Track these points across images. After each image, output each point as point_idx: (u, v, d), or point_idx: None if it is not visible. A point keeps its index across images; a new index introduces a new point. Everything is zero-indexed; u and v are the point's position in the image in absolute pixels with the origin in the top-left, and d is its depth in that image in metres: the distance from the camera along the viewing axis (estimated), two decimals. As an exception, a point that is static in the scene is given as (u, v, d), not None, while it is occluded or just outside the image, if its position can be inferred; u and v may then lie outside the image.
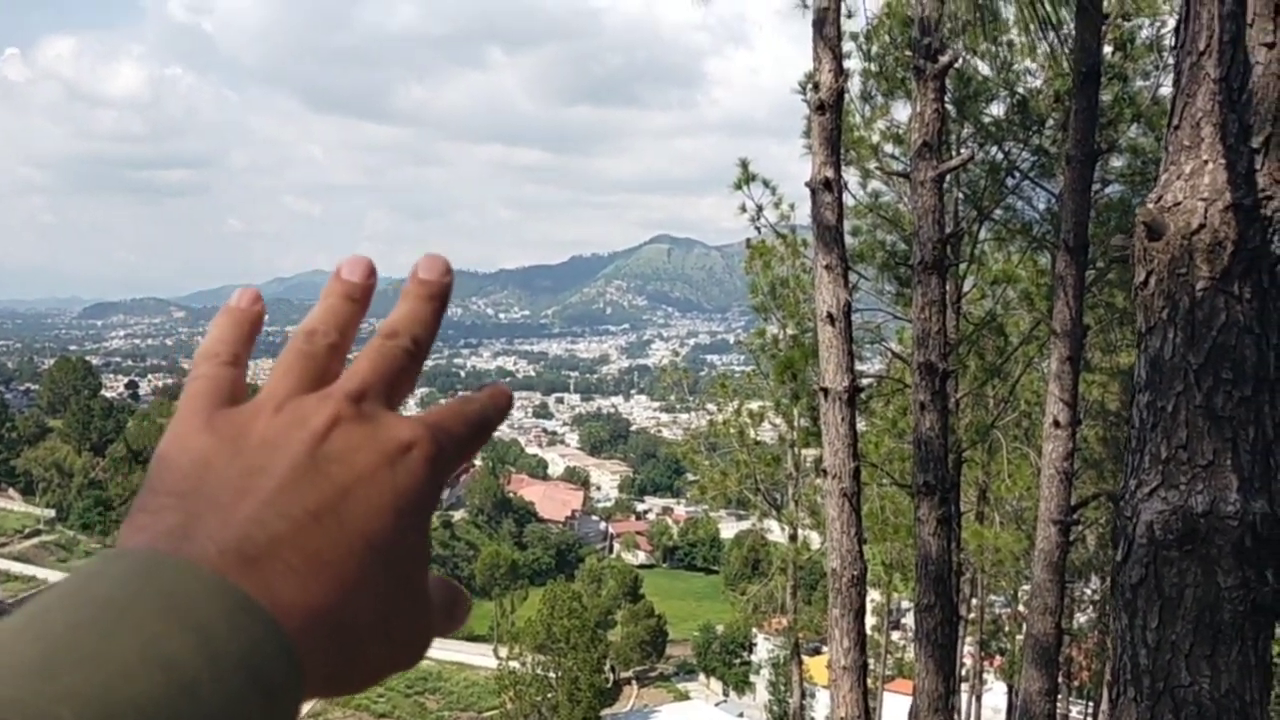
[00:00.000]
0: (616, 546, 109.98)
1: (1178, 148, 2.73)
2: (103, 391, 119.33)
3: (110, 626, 0.35)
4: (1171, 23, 13.54)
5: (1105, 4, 10.55)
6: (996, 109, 14.14)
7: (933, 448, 8.22)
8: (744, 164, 17.22)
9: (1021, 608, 29.02)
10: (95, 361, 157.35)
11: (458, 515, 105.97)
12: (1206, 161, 2.65)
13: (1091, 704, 30.53)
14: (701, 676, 73.45)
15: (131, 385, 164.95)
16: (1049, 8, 13.70)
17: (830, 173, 8.53)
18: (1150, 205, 2.73)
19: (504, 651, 58.11)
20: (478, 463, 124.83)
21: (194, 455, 0.45)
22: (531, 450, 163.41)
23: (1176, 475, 2.63)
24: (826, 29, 8.43)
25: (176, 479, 0.44)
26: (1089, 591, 29.48)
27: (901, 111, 14.61)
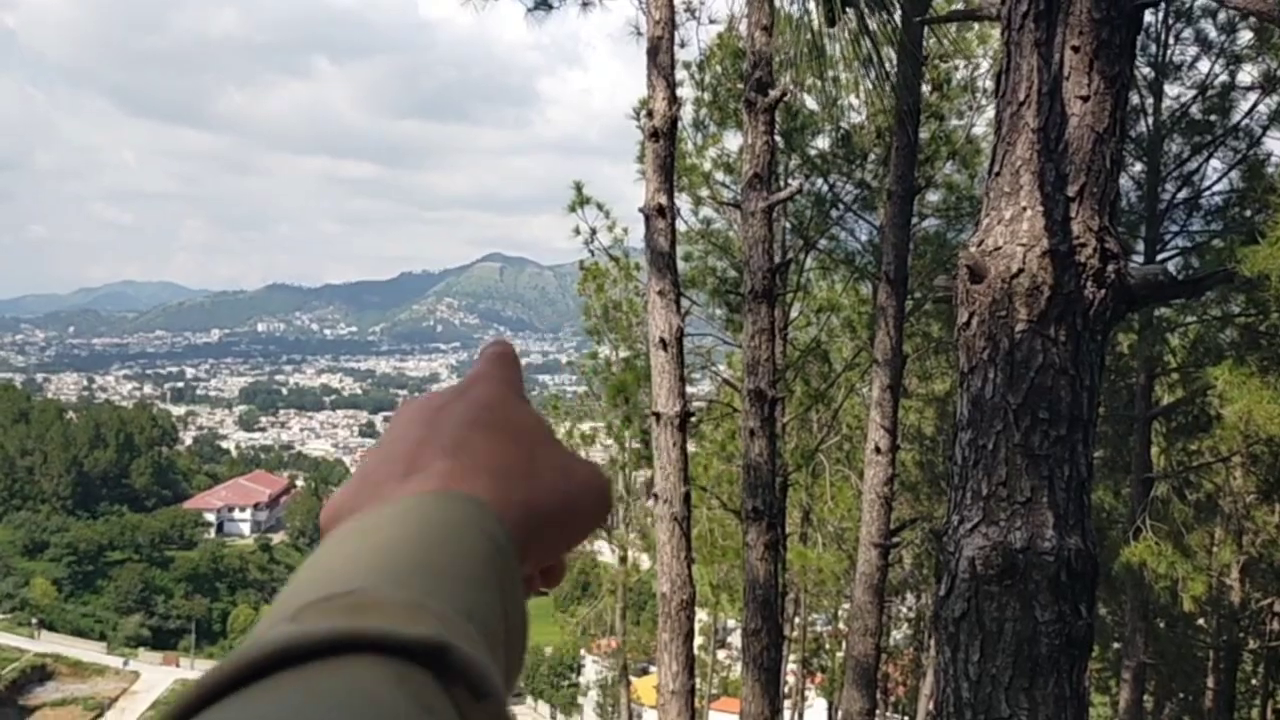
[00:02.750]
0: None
1: (999, 193, 2.82)
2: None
3: (429, 544, 0.50)
4: (985, 65, 14.29)
5: (925, 46, 11.02)
6: (822, 142, 14.61)
7: (761, 473, 8.34)
8: (578, 186, 17.26)
9: (842, 625, 29.91)
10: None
11: (277, 538, 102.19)
12: (1025, 208, 2.74)
13: (907, 718, 31.66)
14: (529, 699, 72.80)
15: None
16: (871, 49, 14.24)
17: (664, 199, 8.59)
18: (972, 249, 2.81)
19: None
20: (299, 483, 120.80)
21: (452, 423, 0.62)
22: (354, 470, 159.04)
23: (996, 512, 2.70)
24: (660, 57, 8.51)
25: (444, 435, 0.61)
26: (904, 609, 30.61)
27: (732, 141, 14.93)
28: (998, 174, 2.83)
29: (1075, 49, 2.75)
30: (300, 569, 0.48)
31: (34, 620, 74.24)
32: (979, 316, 2.78)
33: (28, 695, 65.83)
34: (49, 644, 71.60)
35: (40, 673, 67.64)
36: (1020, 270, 2.71)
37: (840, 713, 12.31)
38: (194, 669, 73.51)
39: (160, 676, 71.73)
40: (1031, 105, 2.77)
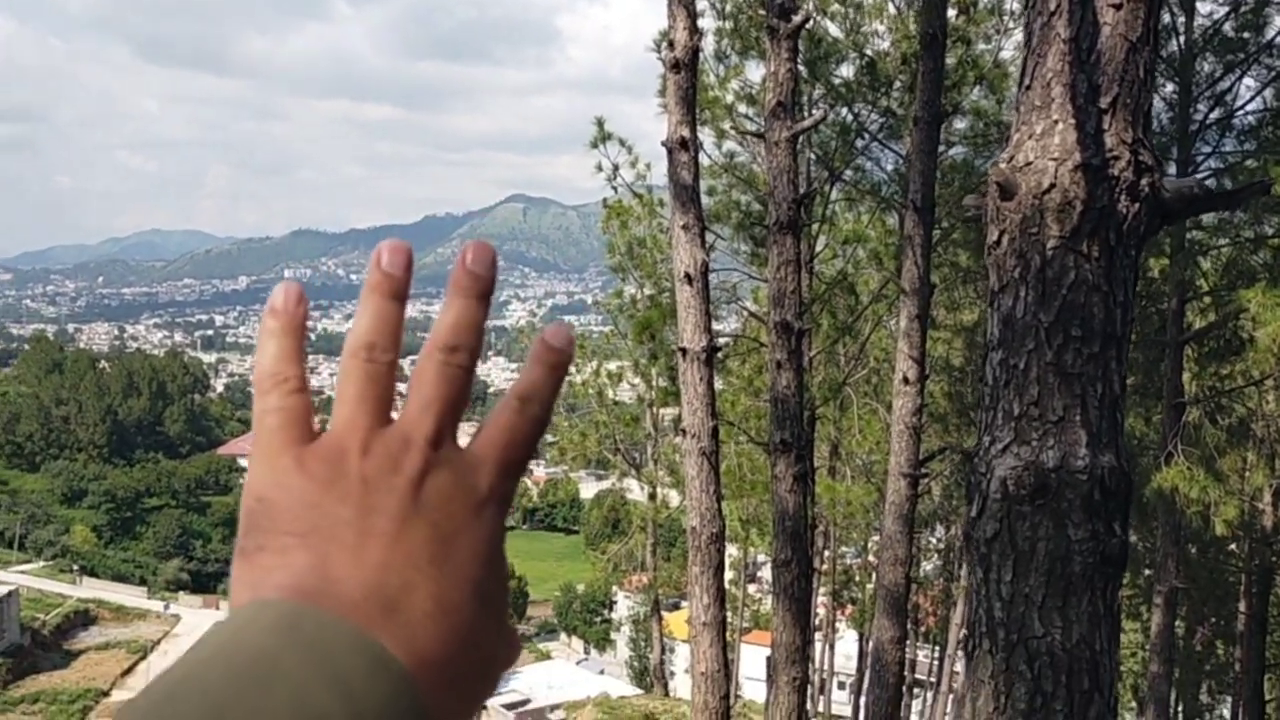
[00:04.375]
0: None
1: (1029, 108, 2.75)
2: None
3: (265, 679, 0.37)
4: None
5: (950, -32, 10.78)
6: (846, 70, 14.36)
7: (788, 406, 8.33)
8: (600, 123, 17.12)
9: (872, 558, 30.07)
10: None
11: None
12: (1057, 121, 2.68)
13: (938, 649, 31.92)
14: (563, 636, 74.00)
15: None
16: (897, -29, 13.96)
17: (686, 132, 8.49)
18: (1002, 165, 2.75)
19: (362, 618, 57.21)
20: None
21: (297, 495, 0.46)
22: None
23: (1028, 431, 2.67)
24: (681, -14, 8.36)
25: (288, 519, 0.45)
26: (934, 540, 30.71)
27: (754, 71, 14.70)
28: (1028, 87, 2.76)
29: (1107, -45, 2.66)
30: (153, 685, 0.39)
31: (75, 567, 75.83)
32: (1009, 234, 2.73)
33: (72, 640, 67.41)
34: (90, 590, 73.16)
35: (83, 618, 69.18)
36: (1052, 185, 2.65)
37: (871, 641, 12.41)
38: (234, 611, 74.96)
39: (201, 619, 73.26)
40: (1062, 15, 2.69)
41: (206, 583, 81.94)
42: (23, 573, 72.45)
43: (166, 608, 74.40)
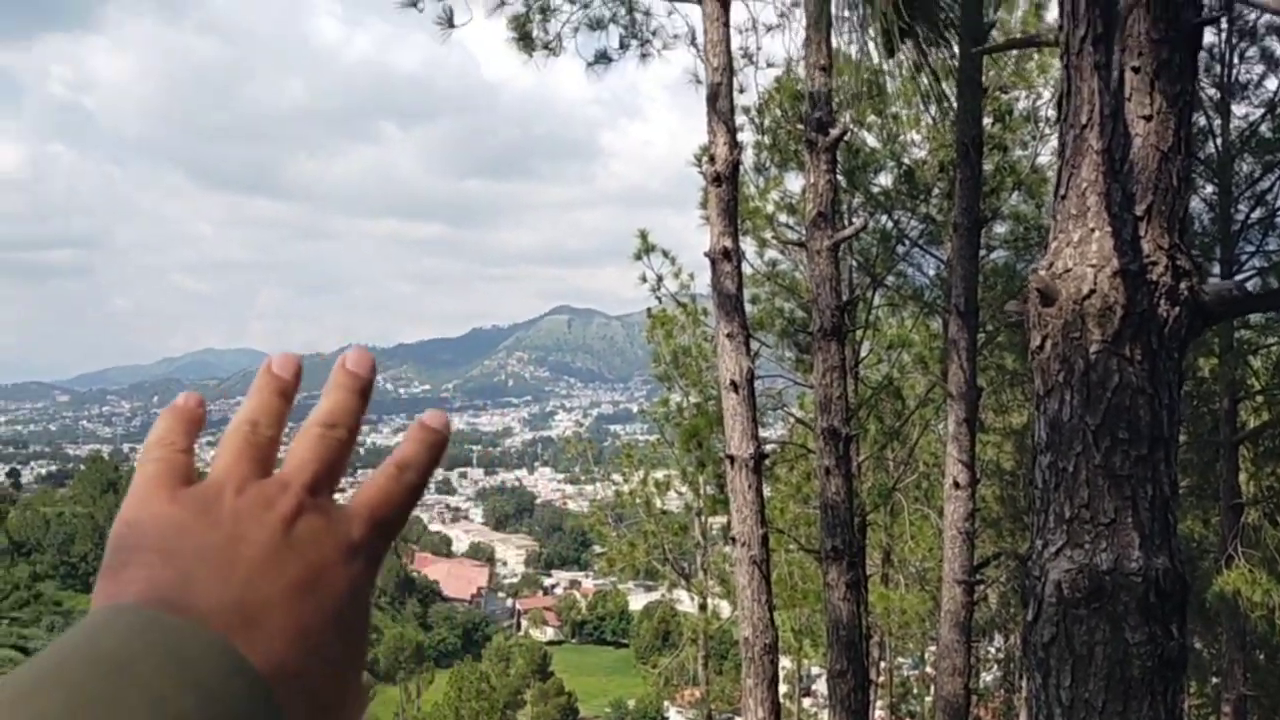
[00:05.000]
0: (524, 623, 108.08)
1: (1065, 216, 2.83)
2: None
3: (120, 682, 0.37)
4: (1046, 94, 14.22)
5: (984, 77, 11.02)
6: (885, 179, 14.62)
7: (839, 512, 8.30)
8: (643, 235, 17.44)
9: (929, 668, 29.28)
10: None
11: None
12: (1093, 229, 2.75)
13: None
14: (614, 754, 72.27)
15: (13, 474, 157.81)
16: (931, 82, 14.27)
17: (729, 243, 8.66)
18: (1042, 272, 2.82)
19: (411, 739, 56.30)
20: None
21: (166, 521, 0.48)
22: (435, 527, 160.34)
23: (1081, 534, 2.69)
24: (720, 104, 8.63)
25: (155, 539, 0.47)
26: (993, 650, 29.90)
27: (794, 182, 14.99)
28: (1064, 197, 2.85)
29: (1135, 70, 2.76)
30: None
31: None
32: (1052, 339, 2.78)
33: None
34: None
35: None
36: (1092, 291, 2.72)
37: (931, 756, 12.06)
38: None
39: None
40: (1094, 127, 2.79)
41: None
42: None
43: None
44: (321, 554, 0.49)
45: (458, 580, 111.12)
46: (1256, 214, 14.17)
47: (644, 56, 11.59)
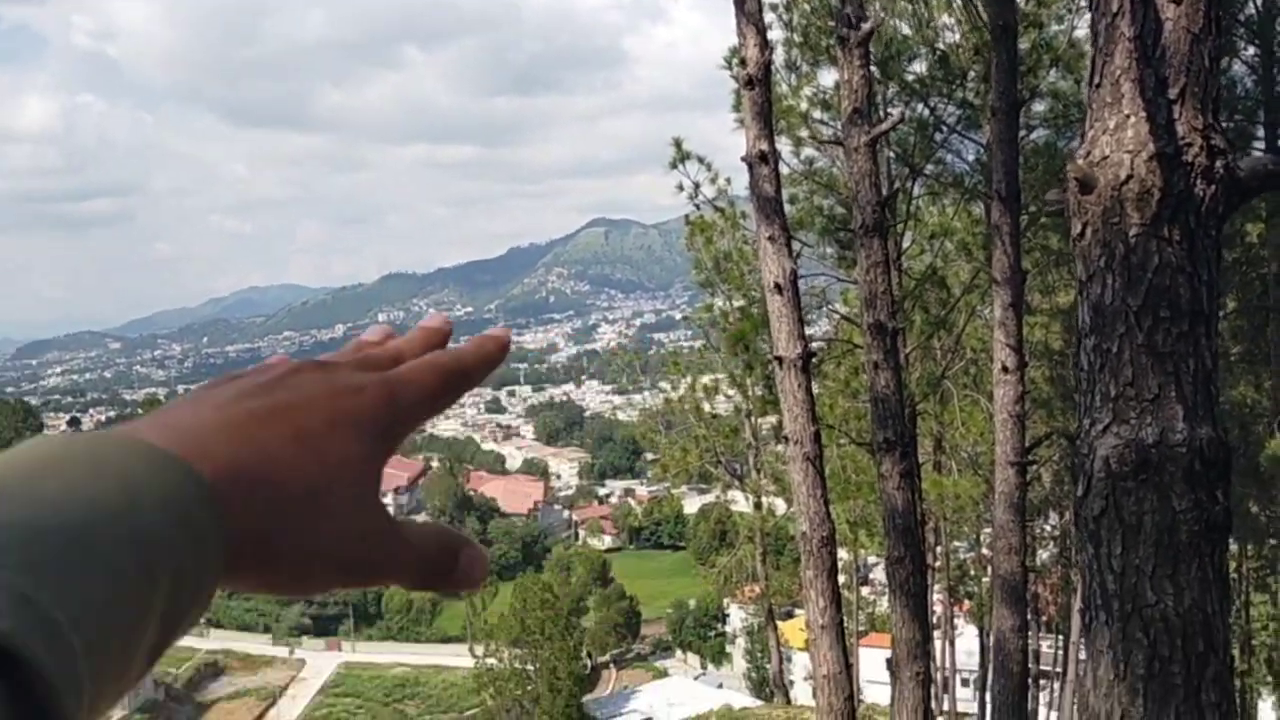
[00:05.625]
0: (582, 533, 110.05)
1: (1100, 104, 2.90)
2: (45, 431, 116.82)
3: (38, 472, 0.38)
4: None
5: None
6: (918, 66, 14.39)
7: (889, 405, 8.44)
8: (678, 143, 17.37)
9: (985, 550, 29.61)
10: (34, 402, 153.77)
11: (420, 518, 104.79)
12: (1128, 115, 2.82)
13: (1060, 637, 31.24)
14: (678, 652, 73.99)
15: (74, 422, 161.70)
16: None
17: (765, 145, 8.67)
18: (1080, 160, 2.90)
19: (479, 650, 57.97)
20: (434, 464, 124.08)
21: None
22: (488, 446, 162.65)
23: (1126, 411, 2.81)
24: (748, 4, 8.56)
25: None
26: (1048, 528, 30.11)
27: (826, 77, 14.82)
28: (1098, 85, 2.92)
29: (1164, -45, 2.81)
30: None
31: (202, 619, 78.17)
32: (1092, 226, 2.88)
33: (203, 691, 69.49)
34: (218, 640, 75.36)
35: (213, 669, 71.33)
36: (1129, 176, 2.80)
37: (992, 634, 12.35)
38: (355, 652, 76.74)
39: (325, 662, 75.03)
40: (1125, 14, 2.84)
41: (328, 625, 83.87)
42: (147, 627, 74.73)
43: (291, 653, 76.33)
44: (301, 393, 0.49)
45: (514, 495, 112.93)
46: (1301, 74, 13.85)
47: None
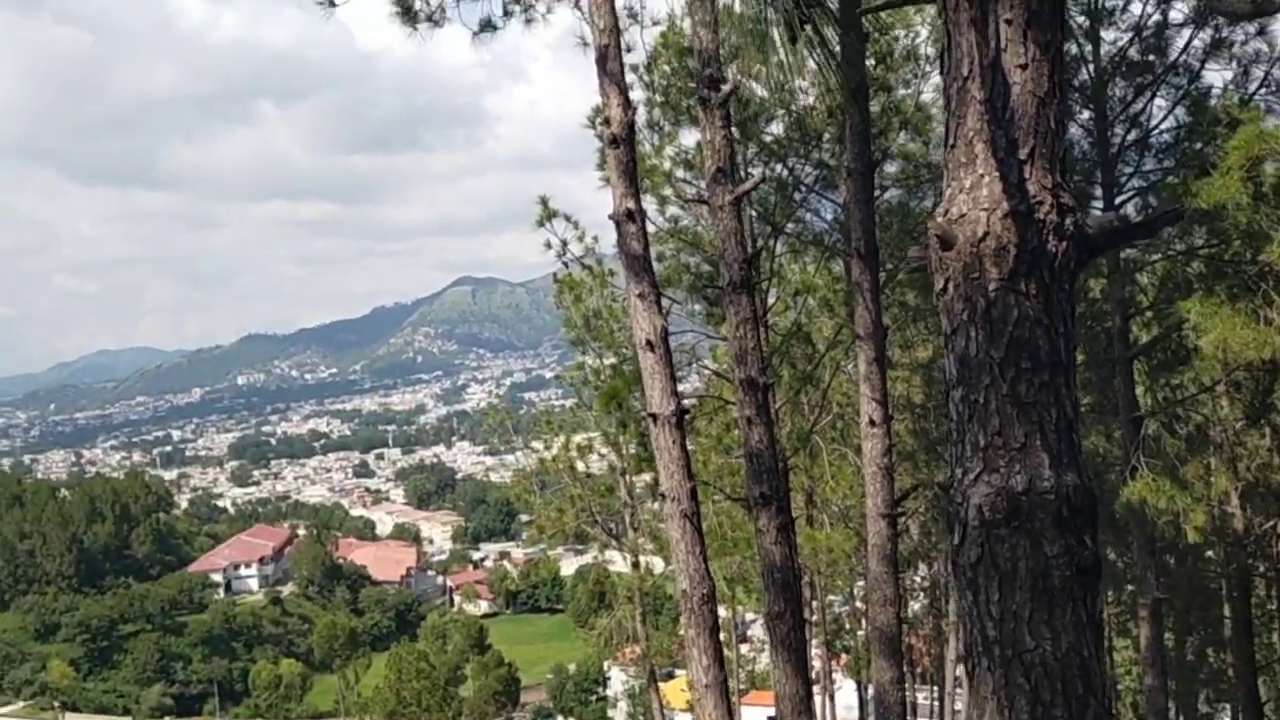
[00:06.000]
0: (457, 599, 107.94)
1: (956, 164, 3.00)
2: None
3: None
4: (924, 31, 14.52)
5: (864, 22, 11.22)
6: (777, 128, 14.81)
7: (763, 459, 8.53)
8: (544, 201, 17.42)
9: (859, 604, 30.12)
10: None
11: (287, 590, 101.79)
12: (983, 175, 2.93)
13: (936, 687, 31.86)
14: (560, 718, 72.80)
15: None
16: (813, 30, 14.45)
17: (631, 204, 8.74)
18: (939, 218, 2.99)
19: (353, 725, 56.04)
20: (300, 532, 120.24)
21: None
22: (356, 512, 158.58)
23: (995, 459, 2.89)
24: (610, 65, 8.66)
25: None
26: (918, 579, 30.81)
27: (689, 137, 15.11)
28: (953, 146, 3.02)
29: (1009, 22, 2.94)
30: None
31: (56, 704, 73.85)
32: (954, 281, 2.96)
33: (61, 782, 65.48)
34: (75, 727, 71.28)
35: (68, 756, 67.33)
36: (986, 234, 2.90)
37: (871, 686, 12.49)
38: (221, 732, 73.28)
39: (187, 745, 71.44)
40: (975, 79, 2.96)
41: (191, 705, 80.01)
42: (3, 716, 70.43)
43: (152, 736, 72.55)
44: None
45: (385, 563, 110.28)
46: (1133, 135, 14.72)
47: (529, 21, 11.50)
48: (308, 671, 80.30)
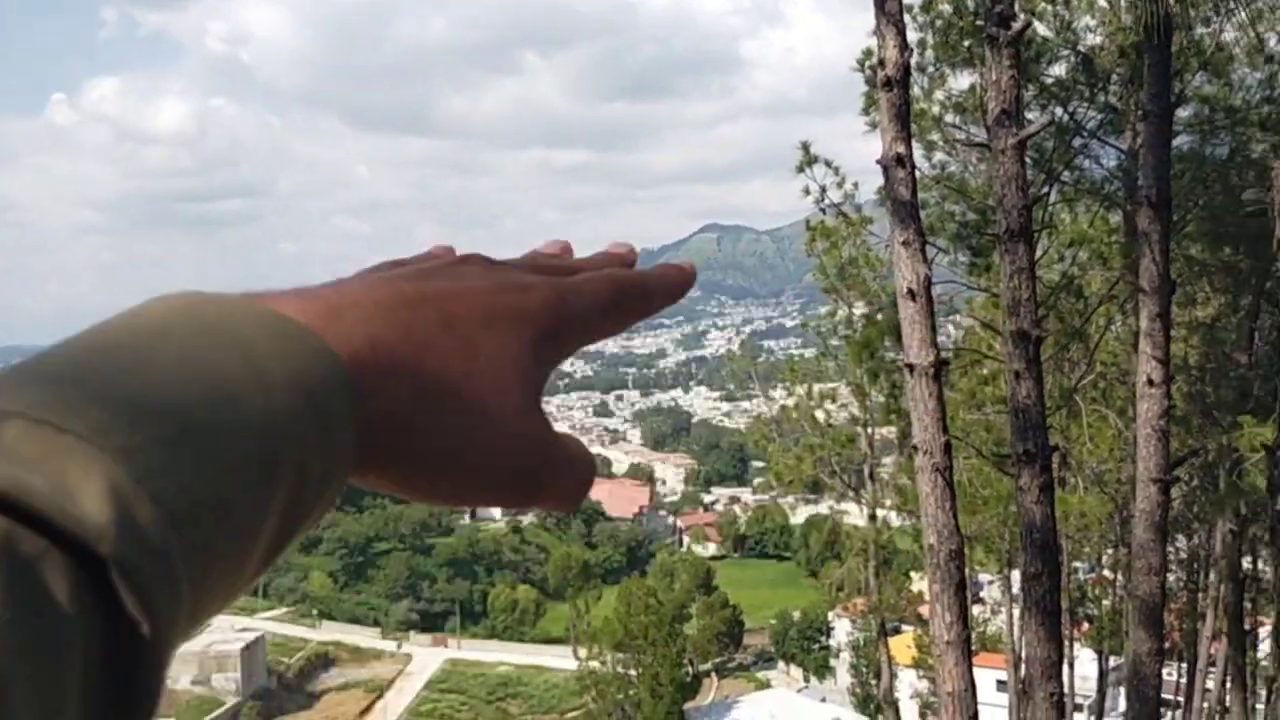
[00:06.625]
0: (686, 540, 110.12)
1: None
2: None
3: (153, 337, 0.33)
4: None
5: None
6: (1058, 69, 13.97)
7: (1030, 415, 8.19)
8: (805, 146, 17.20)
9: (1106, 573, 28.66)
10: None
11: (527, 519, 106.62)
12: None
13: (1184, 665, 30.02)
14: (781, 664, 73.43)
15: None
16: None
17: (902, 148, 8.51)
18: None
19: (583, 652, 58.46)
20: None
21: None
22: (594, 449, 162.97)
23: (1347, 417, 2.65)
24: (889, 4, 8.42)
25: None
26: (1172, 551, 28.98)
27: (960, 80, 14.49)
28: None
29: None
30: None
31: (314, 611, 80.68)
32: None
33: (314, 681, 71.61)
34: (329, 633, 77.67)
35: (324, 660, 73.45)
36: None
37: (1127, 656, 11.91)
38: (460, 649, 78.11)
39: (431, 658, 76.60)
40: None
41: (435, 622, 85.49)
42: (267, 619, 77.48)
43: (399, 647, 78.11)
44: (459, 280, 0.45)
45: (620, 500, 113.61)
46: None
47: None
48: (542, 598, 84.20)
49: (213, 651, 61.47)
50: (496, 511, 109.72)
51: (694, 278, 0.56)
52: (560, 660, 71.47)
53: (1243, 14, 12.04)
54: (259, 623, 73.64)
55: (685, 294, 0.55)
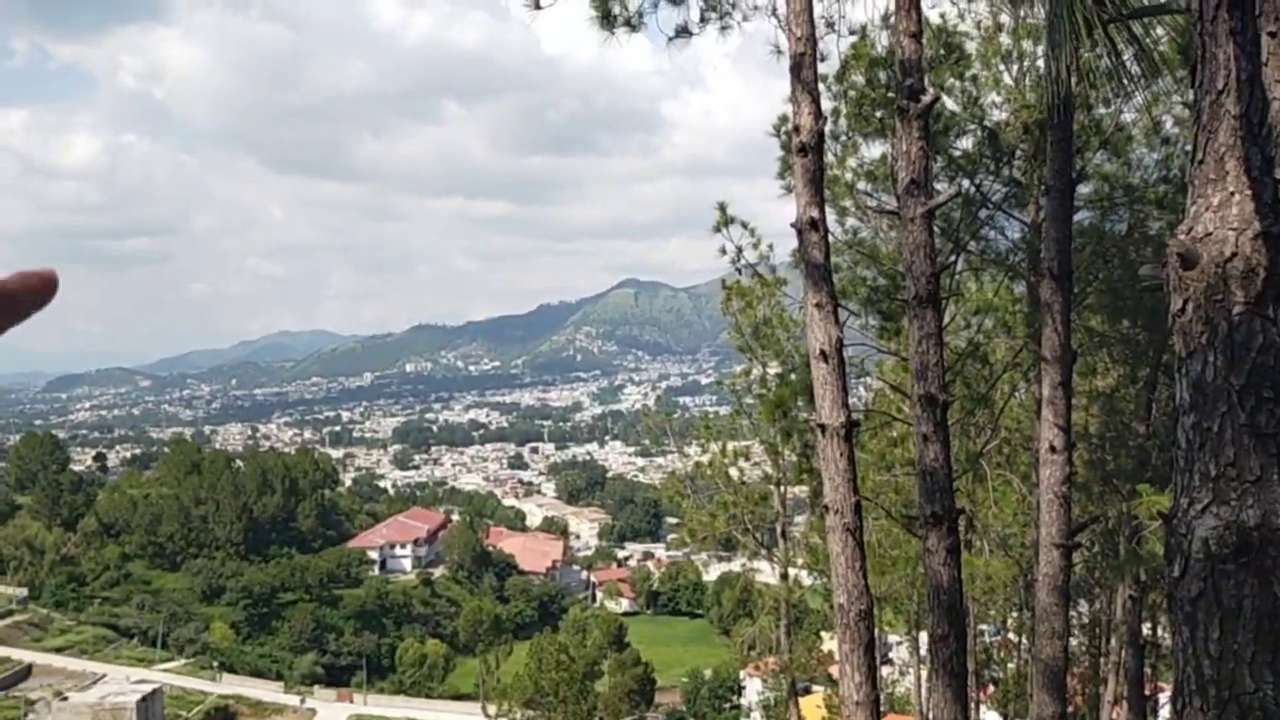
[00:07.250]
0: (599, 595, 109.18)
1: (1204, 181, 2.88)
2: (71, 465, 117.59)
3: None
4: (1129, 51, 13.92)
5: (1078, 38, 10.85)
6: (966, 142, 14.46)
7: (937, 478, 8.34)
8: (722, 207, 17.46)
9: (1012, 635, 29.07)
10: (61, 435, 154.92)
11: (437, 572, 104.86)
12: (1233, 194, 2.81)
13: (1089, 728, 30.49)
14: (692, 724, 72.78)
15: (100, 458, 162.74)
16: (1014, 42, 14.09)
17: (815, 213, 8.70)
18: (1182, 236, 2.88)
19: (492, 709, 57.40)
20: (455, 517, 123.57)
21: None
22: (508, 502, 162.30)
23: (1227, 492, 2.76)
24: (804, 73, 8.64)
25: None
26: (1076, 615, 29.54)
27: (872, 149, 14.90)
28: (1201, 162, 2.90)
29: (1272, 35, 2.81)
30: None
31: (215, 663, 77.99)
32: (1194, 302, 2.85)
33: (214, 737, 69.06)
34: (230, 686, 75.02)
35: (224, 714, 70.86)
36: (1233, 254, 2.78)
37: (1030, 719, 12.07)
38: (367, 704, 76.05)
39: (335, 713, 74.33)
40: (1231, 93, 2.83)
41: (341, 676, 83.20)
42: (165, 670, 74.64)
43: (303, 701, 75.73)
44: None
45: (532, 554, 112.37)
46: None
47: (724, 28, 11.56)
48: (451, 653, 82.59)
49: (107, 704, 58.69)
50: (407, 563, 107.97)
51: (56, 280, 0.60)
52: (469, 717, 70.04)
53: (1140, 97, 12.57)
54: (156, 675, 70.83)
55: (51, 297, 0.60)
